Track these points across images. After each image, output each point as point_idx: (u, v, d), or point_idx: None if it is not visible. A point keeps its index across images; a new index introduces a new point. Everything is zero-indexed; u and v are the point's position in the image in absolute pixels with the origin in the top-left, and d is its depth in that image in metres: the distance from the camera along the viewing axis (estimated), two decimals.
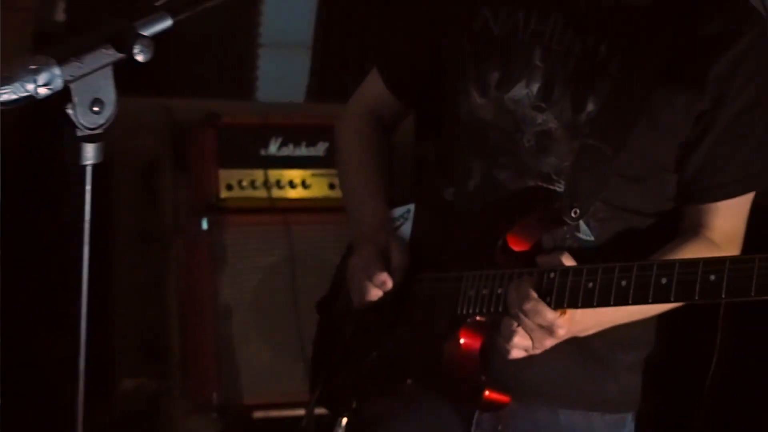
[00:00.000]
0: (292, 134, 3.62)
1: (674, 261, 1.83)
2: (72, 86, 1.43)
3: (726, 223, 2.09)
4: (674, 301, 1.84)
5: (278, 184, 3.57)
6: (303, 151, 3.62)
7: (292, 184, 3.58)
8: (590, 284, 1.87)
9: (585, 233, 2.08)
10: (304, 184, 3.60)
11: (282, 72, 4.30)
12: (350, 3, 4.23)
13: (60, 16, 4.07)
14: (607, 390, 2.21)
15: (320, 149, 3.62)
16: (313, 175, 3.60)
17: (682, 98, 2.02)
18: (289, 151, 3.61)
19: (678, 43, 2.02)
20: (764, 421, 4.09)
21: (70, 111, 1.44)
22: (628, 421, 2.27)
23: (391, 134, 2.51)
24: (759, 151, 2.05)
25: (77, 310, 1.61)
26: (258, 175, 3.56)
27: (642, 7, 2.05)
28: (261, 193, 3.56)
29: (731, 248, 2.08)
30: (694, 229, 2.10)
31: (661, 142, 2.05)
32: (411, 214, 2.30)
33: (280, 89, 4.30)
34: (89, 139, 1.47)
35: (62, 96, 1.43)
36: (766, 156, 2.07)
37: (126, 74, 1.50)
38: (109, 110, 1.47)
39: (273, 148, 3.60)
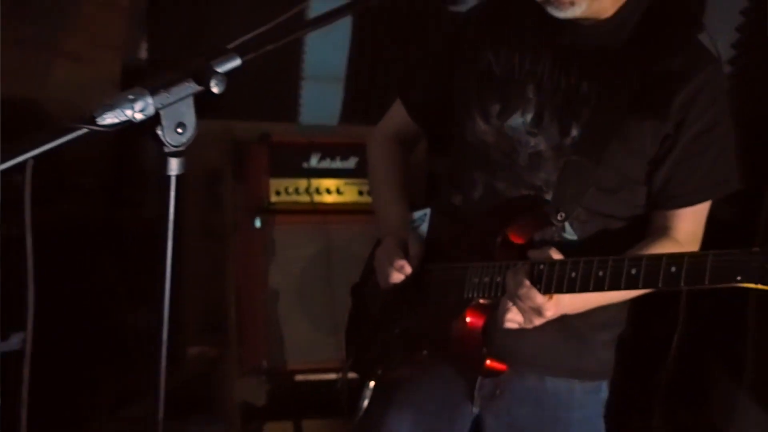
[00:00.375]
0: (328, 150, 3.63)
1: (642, 255, 1.84)
2: (161, 112, 1.44)
3: (687, 226, 2.08)
4: (642, 288, 1.84)
5: (317, 191, 3.58)
6: (337, 164, 3.63)
7: (328, 191, 3.60)
8: (573, 274, 1.87)
9: (569, 233, 2.09)
10: (338, 191, 3.61)
11: (320, 100, 4.30)
12: (377, 45, 4.23)
13: (143, 54, 4.08)
14: (586, 362, 2.22)
15: (351, 163, 3.63)
16: (346, 183, 3.61)
17: (649, 124, 2.01)
18: (326, 164, 3.62)
19: (645, 79, 2.01)
20: (715, 389, 4.09)
21: (159, 132, 1.45)
22: (603, 387, 2.28)
23: (411, 152, 2.51)
24: (713, 168, 2.05)
25: (161, 291, 1.62)
26: (301, 183, 3.57)
27: (615, 50, 2.05)
28: (303, 198, 3.57)
29: (692, 246, 2.08)
30: (661, 230, 2.09)
31: (632, 160, 2.05)
32: (427, 217, 2.31)
33: (318, 114, 4.30)
34: (174, 154, 1.48)
35: (153, 120, 1.45)
36: (719, 171, 2.07)
37: (196, 101, 1.51)
38: (190, 131, 1.49)
39: (313, 162, 3.61)
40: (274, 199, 3.53)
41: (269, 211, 3.52)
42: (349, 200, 3.63)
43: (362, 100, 4.24)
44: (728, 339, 3.81)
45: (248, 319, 3.52)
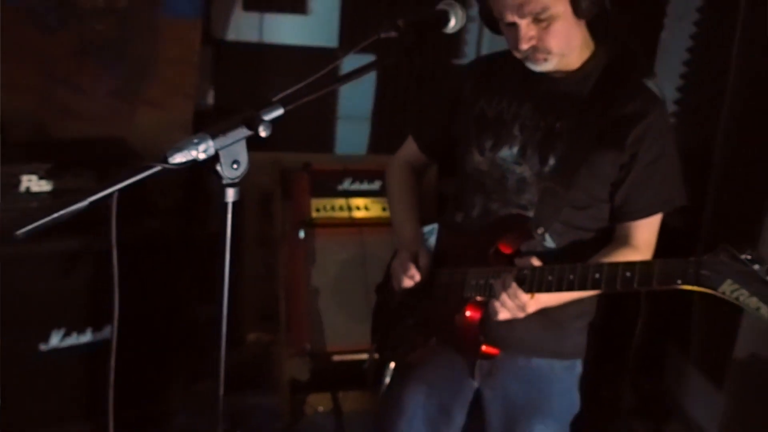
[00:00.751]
0: (358, 175, 3.62)
1: (604, 263, 1.83)
2: (220, 152, 1.46)
3: (643, 234, 2.07)
4: (603, 290, 1.84)
5: (349, 208, 3.57)
6: (365, 186, 3.63)
7: (358, 208, 3.59)
8: (549, 277, 1.87)
9: (549, 243, 2.09)
10: (366, 208, 3.60)
11: (351, 135, 4.31)
12: (396, 91, 4.24)
13: (210, 100, 4.10)
14: (563, 344, 2.22)
15: (376, 185, 3.62)
16: (372, 201, 3.61)
17: (610, 155, 2.01)
18: (356, 186, 3.62)
19: (606, 119, 2.01)
20: (668, 362, 4.07)
21: (218, 168, 1.46)
22: (578, 365, 2.28)
23: (421, 177, 2.51)
24: (661, 188, 2.04)
25: (221, 291, 1.63)
26: (336, 202, 3.57)
27: (582, 96, 2.05)
28: (338, 213, 3.57)
29: (647, 251, 2.08)
30: (622, 239, 2.09)
31: (597, 183, 2.04)
32: (435, 231, 2.31)
33: (350, 146, 4.31)
34: (231, 185, 1.49)
35: (214, 158, 1.46)
36: (666, 191, 2.06)
37: (254, 138, 1.52)
38: (243, 167, 1.50)
39: (346, 184, 3.61)
40: (314, 215, 3.52)
41: (311, 224, 3.51)
42: (375, 215, 3.60)
43: (384, 135, 4.25)
44: (678, 323, 3.80)
45: (295, 311, 3.51)
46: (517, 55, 2.02)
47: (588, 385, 3.54)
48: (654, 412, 3.98)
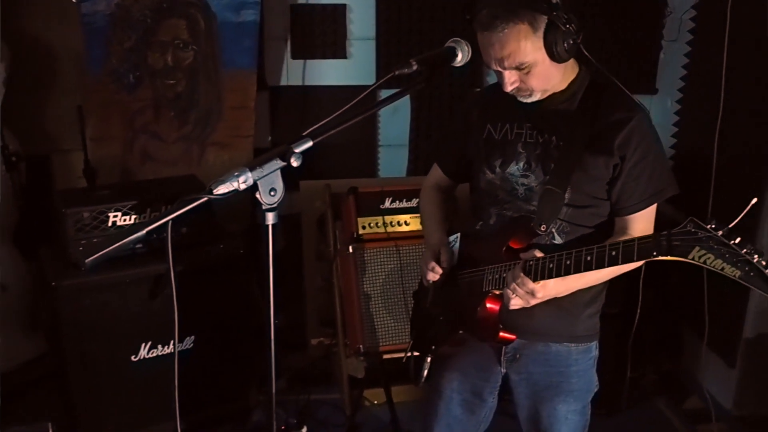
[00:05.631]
0: (398, 195, 3.63)
1: (594, 246, 1.86)
2: (258, 182, 1.51)
3: (640, 226, 2.09)
4: (595, 269, 1.85)
5: (391, 224, 3.60)
6: (404, 204, 3.63)
7: (399, 224, 3.60)
8: (551, 265, 1.92)
9: (557, 239, 2.12)
10: (406, 223, 3.61)
11: (392, 160, 4.35)
12: (429, 123, 4.28)
13: (268, 139, 4.18)
14: (576, 330, 2.24)
15: (414, 203, 3.61)
16: (411, 217, 3.61)
17: (601, 158, 2.04)
18: (396, 204, 3.62)
19: (595, 127, 2.04)
20: (686, 344, 4.02)
21: (258, 195, 1.52)
22: (593, 348, 2.29)
23: (449, 194, 2.54)
24: (649, 183, 2.06)
25: (267, 302, 1.69)
26: (380, 219, 3.59)
27: (572, 111, 2.08)
28: (381, 229, 3.59)
29: None
30: (621, 231, 2.11)
31: (594, 184, 2.08)
32: (458, 238, 2.35)
33: (391, 170, 4.35)
34: (269, 210, 1.55)
35: (254, 187, 1.52)
36: (654, 185, 2.07)
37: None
38: (279, 194, 1.56)
39: (387, 203, 3.62)
40: (361, 231, 3.54)
41: (358, 240, 3.54)
42: (414, 229, 3.60)
43: (421, 159, 4.28)
44: (693, 309, 3.76)
45: (350, 316, 3.54)
46: (507, 91, 2.08)
47: (614, 366, 3.52)
48: (674, 389, 3.95)
